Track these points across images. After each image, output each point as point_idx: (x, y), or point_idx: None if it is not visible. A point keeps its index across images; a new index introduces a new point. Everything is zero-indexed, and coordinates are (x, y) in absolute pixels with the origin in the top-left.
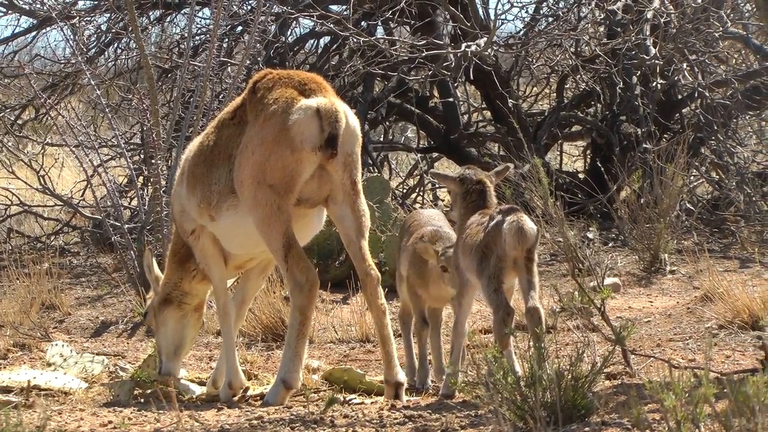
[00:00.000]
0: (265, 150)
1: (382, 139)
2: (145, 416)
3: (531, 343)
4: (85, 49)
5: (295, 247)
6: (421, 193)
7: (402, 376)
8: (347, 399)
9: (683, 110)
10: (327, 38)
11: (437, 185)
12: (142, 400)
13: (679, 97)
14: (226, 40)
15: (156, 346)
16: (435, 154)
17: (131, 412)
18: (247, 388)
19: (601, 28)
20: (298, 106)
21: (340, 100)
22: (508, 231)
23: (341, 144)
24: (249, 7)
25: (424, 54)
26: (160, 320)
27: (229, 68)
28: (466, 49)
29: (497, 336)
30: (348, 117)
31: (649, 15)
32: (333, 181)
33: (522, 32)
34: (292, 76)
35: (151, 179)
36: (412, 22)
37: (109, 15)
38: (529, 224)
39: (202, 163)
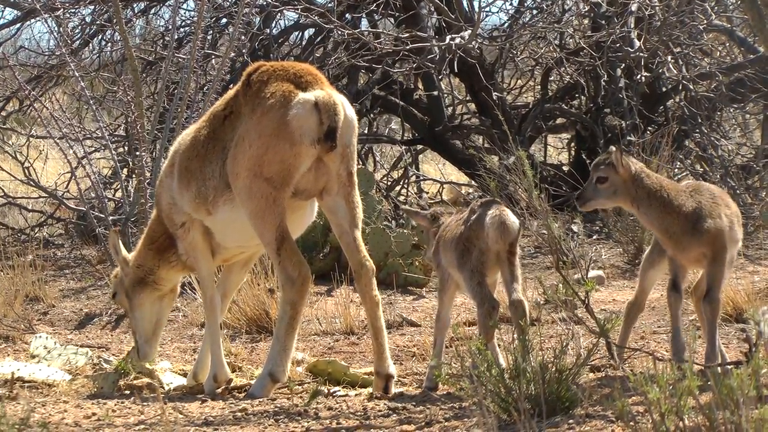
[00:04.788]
0: (262, 143)
1: (366, 132)
2: (129, 408)
3: (515, 336)
4: (69, 41)
5: (288, 240)
6: (406, 186)
7: (392, 369)
8: (331, 391)
9: (667, 103)
10: (311, 30)
11: (422, 178)
12: (126, 392)
13: (664, 89)
14: (211, 32)
15: (131, 326)
16: (419, 147)
17: (115, 404)
18: (231, 380)
19: (586, 21)
20: (297, 100)
21: (336, 91)
22: (491, 225)
23: (339, 136)
24: None
25: (408, 46)
26: (135, 303)
27: (213, 60)
28: (451, 42)
29: (482, 329)
30: (345, 109)
31: (634, 7)
32: (329, 173)
33: (506, 25)
34: (286, 68)
35: (136, 171)
36: (397, 14)
37: (93, 7)
38: (512, 218)
39: (196, 158)
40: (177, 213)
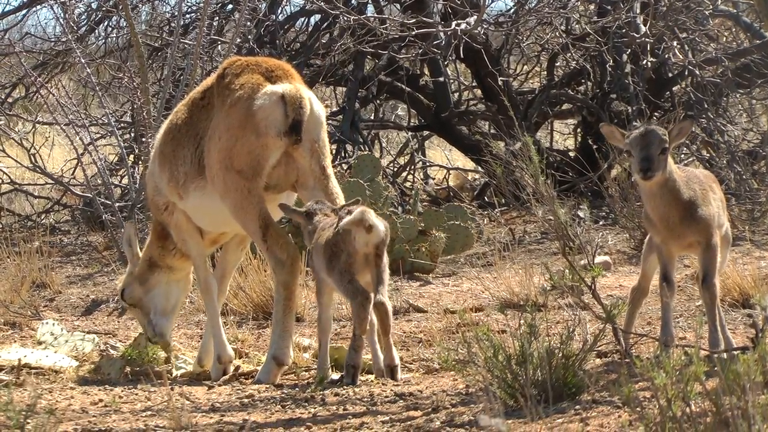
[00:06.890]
0: (231, 136)
1: (372, 118)
2: (136, 394)
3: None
4: (75, 28)
5: (271, 226)
6: (412, 172)
7: (396, 359)
8: (338, 377)
9: (673, 88)
10: (317, 16)
11: (428, 164)
12: (133, 378)
13: (670, 75)
14: (217, 18)
15: (139, 320)
16: (426, 132)
17: (122, 391)
18: (238, 366)
19: (592, 6)
20: (263, 92)
21: (306, 87)
22: (356, 227)
23: (306, 130)
24: None
25: (414, 32)
26: (149, 285)
27: (219, 47)
28: (456, 28)
29: (357, 321)
30: (313, 104)
31: None
32: (300, 168)
33: (512, 10)
34: (260, 62)
35: (142, 157)
36: (403, 0)
37: None
38: (376, 220)
39: (170, 142)
40: (159, 196)
